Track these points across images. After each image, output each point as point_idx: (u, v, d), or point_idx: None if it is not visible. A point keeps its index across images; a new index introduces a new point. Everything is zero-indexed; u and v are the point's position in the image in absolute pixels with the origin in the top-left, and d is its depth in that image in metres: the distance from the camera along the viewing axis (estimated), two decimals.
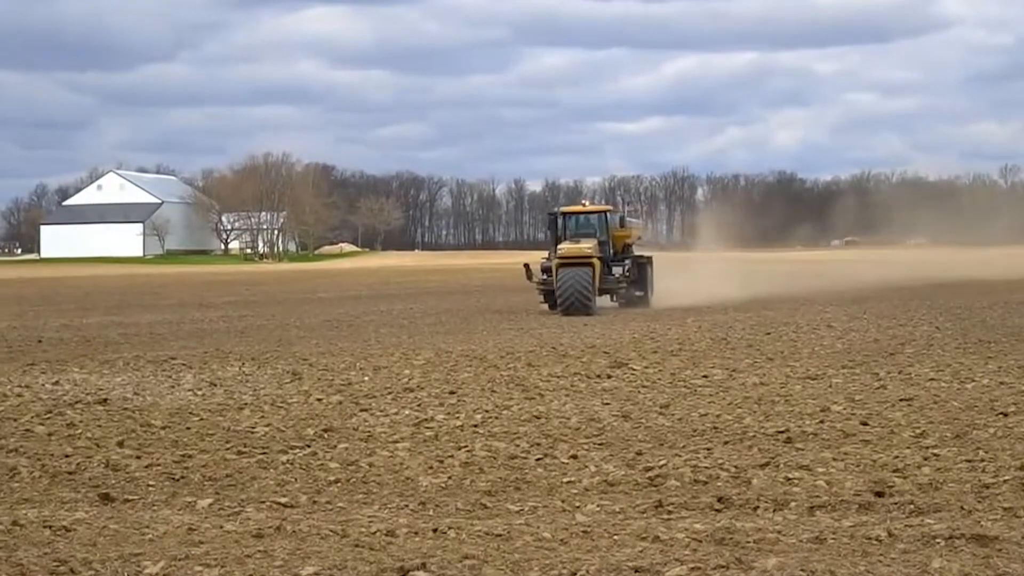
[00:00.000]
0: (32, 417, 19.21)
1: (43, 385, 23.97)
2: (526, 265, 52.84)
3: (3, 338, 39.16)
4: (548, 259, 52.06)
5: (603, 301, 50.91)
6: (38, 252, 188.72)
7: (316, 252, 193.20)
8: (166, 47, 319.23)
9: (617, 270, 51.82)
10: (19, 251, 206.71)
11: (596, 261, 49.12)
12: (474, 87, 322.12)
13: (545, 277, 50.88)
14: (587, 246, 49.26)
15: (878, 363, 24.93)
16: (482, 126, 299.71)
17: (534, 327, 38.82)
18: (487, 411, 19.02)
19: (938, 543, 10.56)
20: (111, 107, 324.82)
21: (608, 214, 54.03)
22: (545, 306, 50.73)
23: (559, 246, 50.26)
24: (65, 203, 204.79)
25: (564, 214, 53.86)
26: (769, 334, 33.13)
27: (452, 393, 21.47)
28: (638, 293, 52.74)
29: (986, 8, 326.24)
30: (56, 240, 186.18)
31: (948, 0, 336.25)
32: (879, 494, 12.42)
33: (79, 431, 17.75)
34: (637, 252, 53.89)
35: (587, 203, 60.07)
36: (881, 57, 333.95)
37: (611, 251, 51.94)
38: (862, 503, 12.15)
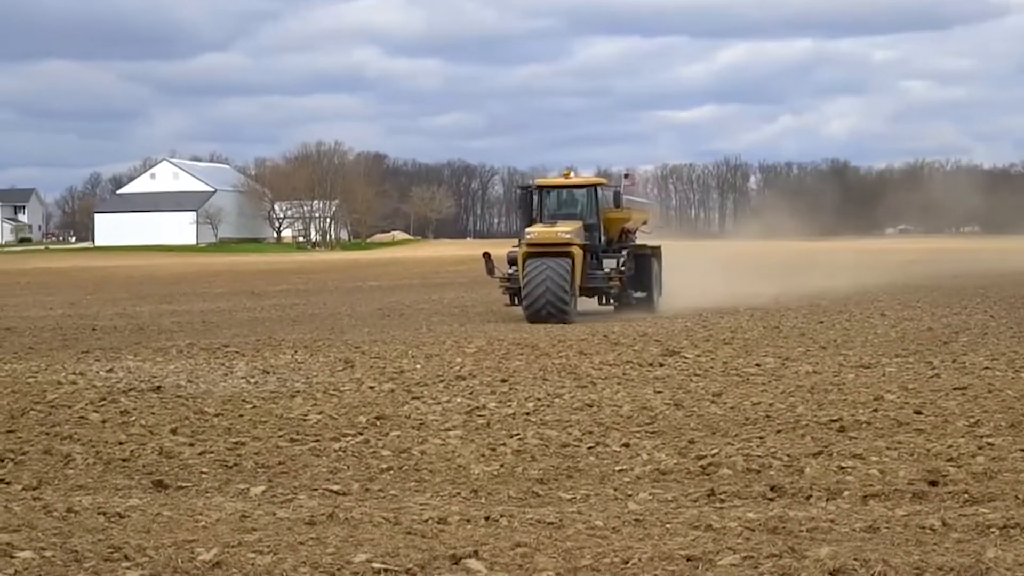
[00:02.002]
0: (86, 404, 19.32)
1: (97, 373, 24.11)
2: (486, 255, 43.05)
3: (58, 326, 39.43)
4: (517, 247, 41.05)
5: (589, 304, 41.41)
6: (92, 240, 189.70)
7: (368, 240, 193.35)
8: (222, 37, 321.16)
9: (609, 264, 41.20)
10: (73, 239, 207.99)
11: (577, 250, 38.78)
12: (526, 76, 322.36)
13: (511, 271, 40.31)
14: (565, 230, 39.04)
15: (932, 352, 24.84)
16: (534, 115, 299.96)
17: (585, 315, 38.67)
18: (539, 399, 19.03)
19: (993, 532, 10.50)
20: (166, 97, 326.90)
21: (599, 189, 42.84)
22: (511, 307, 40.65)
23: (528, 229, 39.82)
24: (119, 192, 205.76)
25: (541, 188, 42.80)
26: (822, 323, 33.06)
27: (504, 381, 21.49)
28: (638, 294, 41.97)
29: None
30: (110, 228, 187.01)
31: None
32: (933, 483, 12.36)
33: (133, 418, 17.85)
34: (641, 241, 44.05)
35: (572, 173, 44.88)
36: (937, 44, 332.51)
37: (601, 238, 41.69)
38: (916, 492, 12.09)
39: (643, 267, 42.10)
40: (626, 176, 46.97)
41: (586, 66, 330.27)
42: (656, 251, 43.64)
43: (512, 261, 40.54)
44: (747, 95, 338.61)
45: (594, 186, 43.20)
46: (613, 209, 42.19)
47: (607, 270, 40.80)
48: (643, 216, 46.11)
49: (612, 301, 41.69)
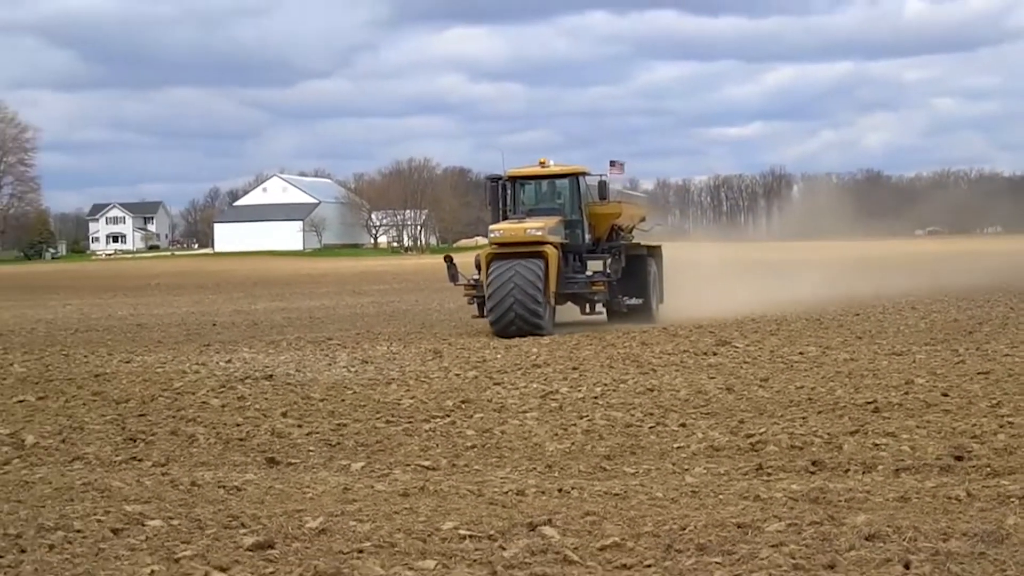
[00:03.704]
0: (207, 391, 19.48)
1: (217, 363, 24.30)
2: (447, 258, 34.25)
3: (183, 322, 39.78)
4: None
5: (571, 313, 33.58)
6: (212, 247, 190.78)
7: (454, 245, 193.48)
8: (326, 66, 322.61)
9: (594, 265, 32.92)
10: (196, 246, 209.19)
11: (550, 249, 30.39)
12: (597, 97, 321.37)
13: (476, 277, 32.19)
14: (535, 226, 30.79)
15: (958, 340, 24.60)
16: (603, 132, 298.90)
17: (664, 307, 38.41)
18: (606, 384, 19.00)
19: (1012, 502, 10.40)
20: (277, 119, 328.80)
21: (580, 179, 33.45)
22: (478, 316, 32.38)
23: (492, 226, 32.41)
24: (235, 204, 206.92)
25: (514, 180, 33.42)
26: (858, 315, 32.80)
27: (574, 369, 21.48)
28: (632, 301, 33.17)
29: None
30: (227, 236, 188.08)
31: None
32: (958, 458, 12.25)
33: (248, 403, 17.99)
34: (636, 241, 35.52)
35: (549, 161, 33.78)
36: (963, 64, 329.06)
37: (585, 236, 33.06)
38: (943, 466, 11.99)
39: (638, 270, 33.32)
40: (612, 164, 35.35)
41: (648, 88, 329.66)
42: (655, 251, 35.22)
43: (479, 265, 32.07)
44: (792, 112, 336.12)
45: (575, 175, 33.53)
46: (599, 203, 33.22)
47: (590, 273, 32.56)
48: (639, 212, 37.60)
49: (594, 309, 33.25)
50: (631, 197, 38.90)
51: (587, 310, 33.15)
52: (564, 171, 33.79)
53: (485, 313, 31.09)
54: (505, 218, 32.55)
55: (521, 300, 29.36)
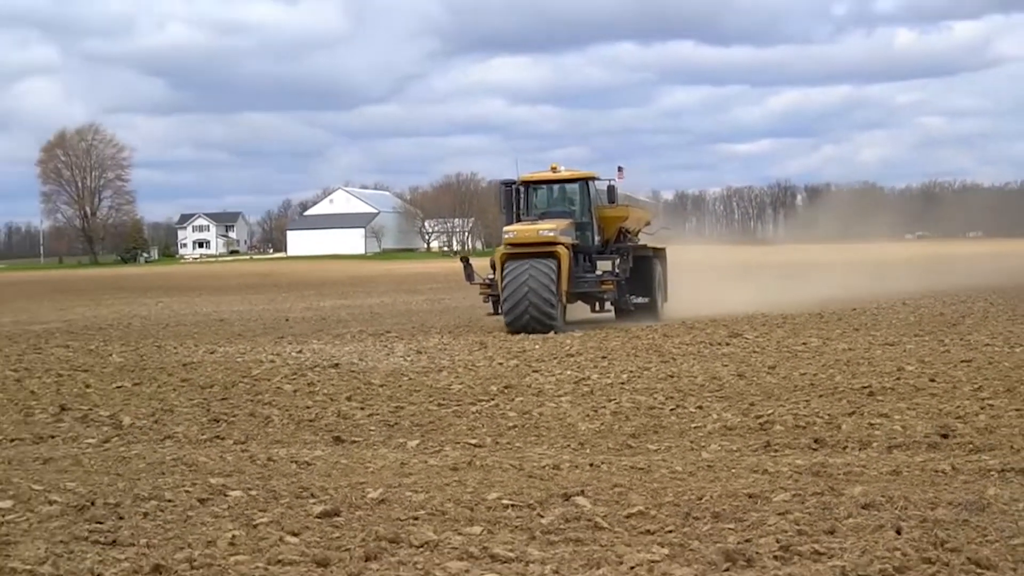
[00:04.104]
0: (281, 378, 19.55)
1: (290, 353, 24.39)
2: (464, 259, 33.15)
3: (259, 318, 39.96)
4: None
5: (581, 311, 32.14)
6: (285, 251, 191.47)
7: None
8: (383, 92, 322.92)
9: (603, 266, 31.24)
10: (271, 250, 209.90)
11: (562, 250, 28.84)
12: (625, 118, 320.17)
13: (491, 276, 30.71)
14: (547, 227, 29.30)
15: (943, 332, 24.48)
16: (630, 148, 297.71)
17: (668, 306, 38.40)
18: (631, 371, 18.98)
19: (992, 475, 10.34)
20: (340, 139, 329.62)
21: (590, 183, 31.71)
22: (494, 315, 30.76)
23: (506, 228, 30.63)
24: (305, 213, 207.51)
25: (526, 184, 31.66)
26: (855, 310, 32.65)
27: (604, 358, 21.45)
28: (639, 299, 31.79)
29: None
30: (298, 242, 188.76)
31: (1002, 42, 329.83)
32: (944, 436, 12.18)
33: (317, 388, 18.05)
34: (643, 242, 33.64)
35: (560, 167, 32.04)
36: (948, 88, 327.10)
37: (595, 238, 31.41)
38: (930, 443, 11.93)
39: (645, 270, 31.87)
40: (620, 170, 32.44)
41: (669, 109, 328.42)
42: (660, 253, 33.26)
43: (494, 265, 30.47)
44: (795, 131, 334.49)
45: (585, 180, 31.67)
46: (608, 206, 31.53)
47: (600, 273, 30.78)
48: (644, 215, 35.42)
49: (603, 307, 31.85)
50: (637, 202, 36.46)
51: (596, 308, 31.88)
52: (574, 176, 31.88)
53: (500, 310, 29.58)
54: (518, 220, 30.98)
55: (535, 299, 27.86)
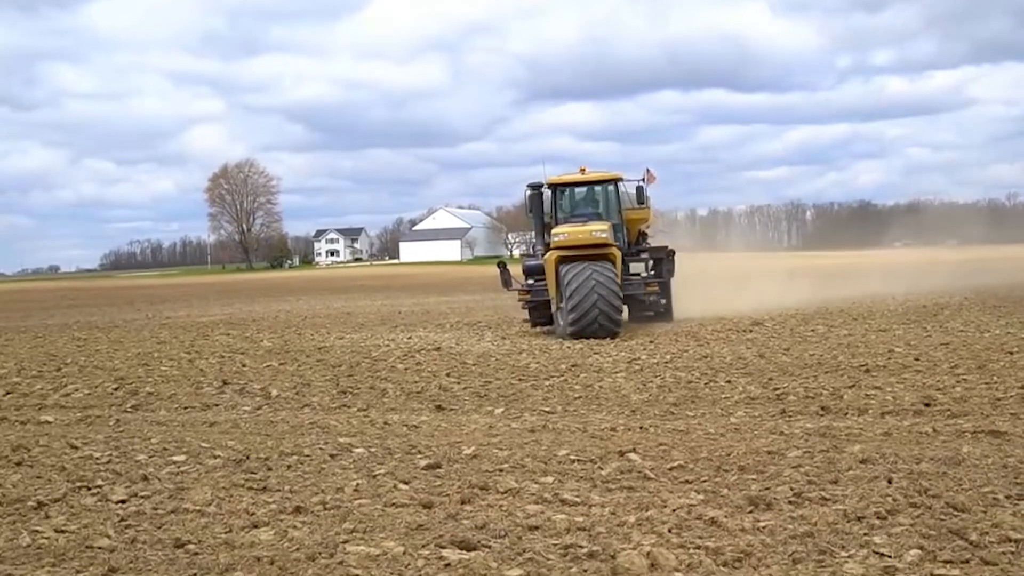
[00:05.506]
0: (395, 359, 19.66)
1: (402, 339, 24.52)
2: (501, 264, 27.68)
3: (378, 312, 40.19)
4: (531, 254, 26.45)
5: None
6: (398, 258, 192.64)
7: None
8: (478, 132, 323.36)
9: (636, 268, 25.46)
10: (387, 258, 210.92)
11: (616, 252, 23.62)
12: (670, 151, 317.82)
13: (532, 282, 25.26)
14: (600, 228, 23.45)
15: (926, 320, 24.09)
16: (673, 175, 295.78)
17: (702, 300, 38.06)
18: (673, 353, 18.85)
19: (966, 436, 10.15)
20: (443, 170, 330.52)
21: (619, 184, 25.59)
22: (529, 322, 26.08)
23: (555, 230, 23.99)
24: (414, 228, 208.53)
25: (555, 187, 25.45)
26: (854, 304, 32.21)
27: (651, 342, 21.30)
28: (663, 300, 26.05)
29: (1001, 92, 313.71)
30: (409, 251, 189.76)
31: (976, 86, 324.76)
32: (927, 404, 11.98)
33: (423, 367, 18.12)
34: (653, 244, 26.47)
35: (587, 169, 25.78)
36: (931, 125, 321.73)
37: (626, 240, 25.35)
38: (915, 410, 11.73)
39: (661, 271, 25.74)
40: (648, 171, 26.43)
41: (704, 144, 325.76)
42: (670, 254, 25.97)
43: (532, 272, 25.18)
44: (806, 160, 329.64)
45: (614, 181, 25.52)
46: (636, 208, 25.66)
47: (639, 275, 25.22)
48: (652, 218, 27.34)
49: (644, 310, 25.86)
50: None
51: (641, 311, 25.89)
52: (605, 177, 25.52)
53: (545, 318, 24.86)
54: (547, 226, 25.08)
55: (604, 306, 22.36)
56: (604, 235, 23.31)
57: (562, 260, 23.32)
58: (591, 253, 23.26)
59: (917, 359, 16.32)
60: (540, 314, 25.24)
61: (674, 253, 25.99)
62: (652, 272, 25.52)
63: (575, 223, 24.28)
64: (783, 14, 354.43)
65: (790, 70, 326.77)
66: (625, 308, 24.75)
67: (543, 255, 24.51)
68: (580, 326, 22.38)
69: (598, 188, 25.74)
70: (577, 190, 25.73)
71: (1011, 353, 16.62)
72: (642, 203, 25.61)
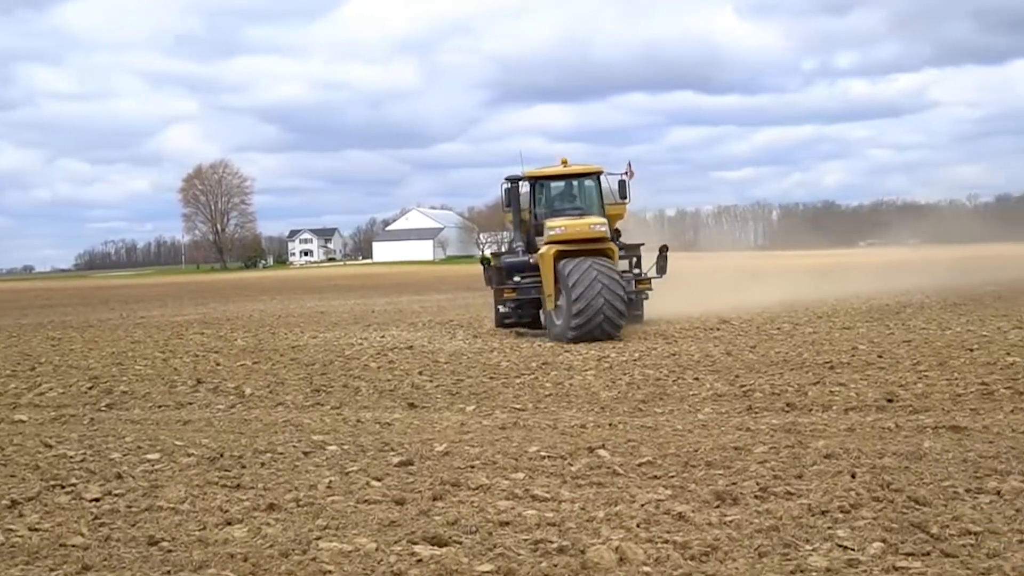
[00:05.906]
0: (368, 357, 19.61)
1: (375, 338, 24.45)
2: (485, 261, 25.22)
3: (351, 311, 40.05)
4: (511, 251, 24.03)
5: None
6: (371, 258, 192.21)
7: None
8: (452, 132, 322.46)
9: (624, 265, 23.08)
10: (360, 258, 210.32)
11: (614, 247, 21.96)
12: (639, 152, 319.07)
13: (519, 280, 23.06)
14: (598, 221, 21.71)
15: (888, 319, 24.25)
16: (644, 177, 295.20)
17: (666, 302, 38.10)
18: (642, 351, 18.89)
19: (927, 431, 10.24)
20: (416, 170, 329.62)
21: (600, 178, 23.64)
22: (496, 323, 24.76)
23: (549, 223, 21.99)
24: (387, 228, 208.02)
25: (533, 180, 23.59)
26: (817, 301, 32.38)
27: (620, 340, 21.36)
28: (644, 299, 24.43)
29: (963, 95, 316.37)
30: (382, 251, 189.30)
31: (938, 89, 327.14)
32: (889, 400, 12.08)
33: (396, 365, 18.09)
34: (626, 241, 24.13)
35: (568, 162, 23.70)
36: (893, 126, 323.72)
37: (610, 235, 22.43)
38: (878, 406, 11.82)
39: (656, 269, 24.27)
40: (629, 165, 24.23)
41: (674, 145, 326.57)
42: (664, 249, 24.42)
43: (516, 269, 23.04)
44: (773, 160, 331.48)
45: (596, 175, 23.56)
46: (617, 203, 23.64)
47: (628, 272, 23.16)
48: (624, 213, 24.47)
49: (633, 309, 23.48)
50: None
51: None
52: (586, 170, 23.65)
53: (528, 317, 23.53)
54: (525, 222, 23.73)
55: (610, 312, 20.49)
56: (603, 229, 21.56)
57: (562, 255, 21.47)
58: (589, 248, 21.43)
59: (880, 356, 16.44)
60: (524, 313, 23.65)
61: (667, 248, 24.51)
62: (637, 270, 23.80)
63: (573, 215, 22.62)
64: (749, 17, 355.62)
65: (758, 73, 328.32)
66: None
67: (523, 251, 23.45)
68: (585, 328, 20.53)
69: (580, 182, 23.75)
70: (557, 184, 23.81)
71: (971, 350, 16.77)
72: (624, 198, 23.75)
